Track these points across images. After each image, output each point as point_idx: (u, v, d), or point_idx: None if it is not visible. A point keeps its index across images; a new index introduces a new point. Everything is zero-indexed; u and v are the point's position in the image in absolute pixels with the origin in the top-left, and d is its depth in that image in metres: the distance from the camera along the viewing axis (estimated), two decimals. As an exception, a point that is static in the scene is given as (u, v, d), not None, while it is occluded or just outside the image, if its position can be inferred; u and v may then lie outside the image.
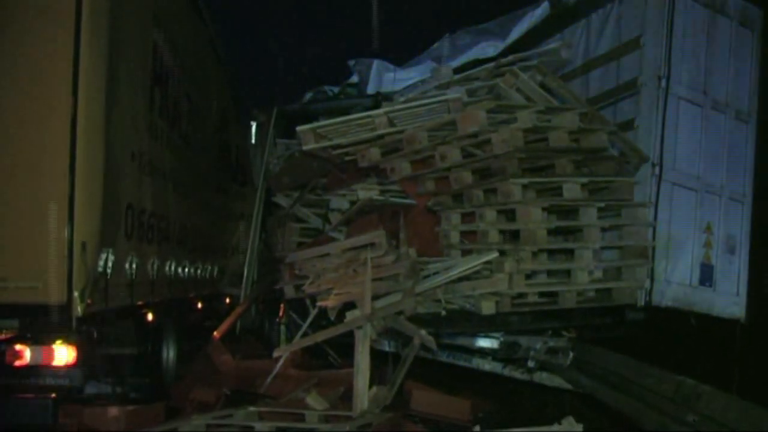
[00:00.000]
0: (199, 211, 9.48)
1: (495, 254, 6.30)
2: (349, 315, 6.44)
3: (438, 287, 6.52)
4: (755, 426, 3.96)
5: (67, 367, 5.66)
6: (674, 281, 7.06)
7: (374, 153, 6.98)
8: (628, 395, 5.69)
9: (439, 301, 6.53)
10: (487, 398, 7.57)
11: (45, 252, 5.37)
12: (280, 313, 9.95)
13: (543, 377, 7.04)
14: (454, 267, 6.49)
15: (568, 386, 6.89)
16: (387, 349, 6.92)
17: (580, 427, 4.72)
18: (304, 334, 7.56)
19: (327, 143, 6.94)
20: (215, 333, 9.70)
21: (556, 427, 4.85)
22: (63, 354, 5.63)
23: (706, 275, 7.33)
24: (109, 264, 5.85)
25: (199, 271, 9.43)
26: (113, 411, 6.29)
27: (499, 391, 7.69)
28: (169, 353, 8.21)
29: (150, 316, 7.44)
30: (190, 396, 7.59)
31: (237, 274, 11.43)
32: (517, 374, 7.14)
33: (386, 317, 6.40)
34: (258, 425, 5.56)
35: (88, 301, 5.43)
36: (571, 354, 6.80)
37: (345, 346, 7.08)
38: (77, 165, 5.38)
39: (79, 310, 5.35)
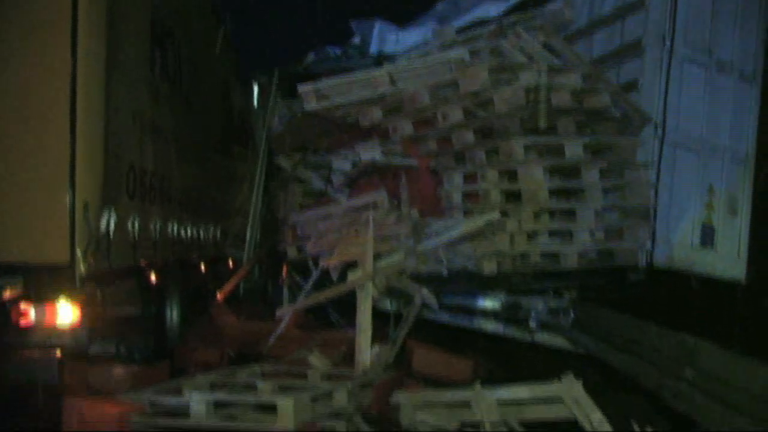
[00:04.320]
0: (201, 173, 9.47)
1: (497, 214, 6.31)
2: (351, 275, 6.47)
3: (440, 247, 6.54)
4: (752, 379, 3.99)
5: (72, 326, 5.67)
6: (676, 242, 7.08)
7: (376, 112, 6.95)
8: (628, 354, 5.73)
9: (440, 261, 6.56)
10: (489, 359, 7.59)
11: (48, 211, 5.41)
12: (283, 275, 9.98)
13: (544, 338, 7.07)
14: (455, 227, 6.50)
15: (569, 346, 6.93)
16: (389, 308, 6.96)
17: (579, 384, 4.76)
18: (307, 295, 7.59)
19: (328, 103, 6.91)
20: (218, 294, 9.75)
21: (556, 384, 4.89)
22: (67, 313, 5.63)
23: (708, 237, 7.34)
24: (112, 224, 5.86)
25: (201, 233, 9.44)
26: (118, 371, 6.31)
27: (501, 352, 7.72)
28: (173, 314, 8.24)
29: (153, 277, 7.46)
30: (194, 357, 7.64)
31: (240, 237, 11.46)
32: (519, 335, 7.19)
33: (388, 276, 6.43)
34: (261, 383, 5.60)
35: (91, 260, 5.45)
36: (572, 314, 6.84)
37: (347, 306, 7.12)
38: (78, 125, 5.37)
39: (82, 269, 5.37)
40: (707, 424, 4.48)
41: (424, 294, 6.27)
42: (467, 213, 6.86)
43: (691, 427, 4.83)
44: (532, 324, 6.98)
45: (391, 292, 6.66)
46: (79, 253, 5.36)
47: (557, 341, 7.01)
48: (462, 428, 4.97)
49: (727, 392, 4.21)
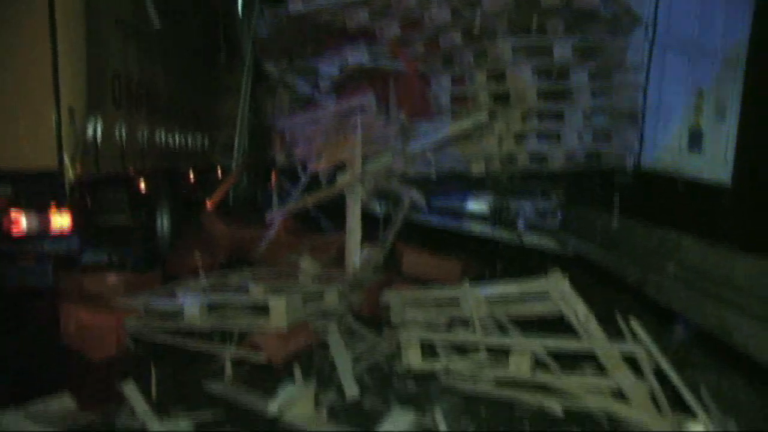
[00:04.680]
0: (187, 82, 9.37)
1: (485, 115, 6.28)
2: (340, 178, 6.48)
3: (428, 149, 6.53)
4: (732, 270, 4.09)
5: (64, 233, 5.71)
6: (663, 146, 7.08)
7: (362, 14, 6.83)
8: (613, 252, 5.83)
9: (429, 162, 6.56)
10: (478, 261, 7.68)
11: (33, 117, 5.40)
12: (272, 181, 9.98)
13: (532, 239, 7.15)
14: (443, 128, 6.48)
15: (557, 247, 7.02)
16: (378, 211, 6.98)
17: (566, 279, 4.83)
18: (297, 199, 7.61)
19: (314, 5, 6.77)
20: (208, 203, 9.77)
21: (543, 280, 4.96)
22: (58, 220, 5.67)
23: (695, 140, 7.32)
24: (99, 130, 5.85)
25: (189, 142, 9.41)
26: (111, 278, 6.37)
27: (489, 254, 7.81)
28: (163, 223, 8.28)
29: (143, 186, 7.47)
30: (186, 264, 7.69)
31: (228, 145, 11.40)
32: (507, 236, 7.25)
33: (377, 178, 6.44)
34: (253, 286, 5.69)
35: (79, 166, 5.45)
36: (560, 216, 6.90)
37: (337, 210, 7.16)
38: (58, 30, 5.32)
39: (71, 174, 5.38)
40: (689, 315, 4.62)
41: (412, 194, 6.29)
42: (455, 115, 6.84)
43: (673, 318, 4.97)
44: (520, 226, 7.05)
45: (380, 194, 6.68)
46: (66, 158, 5.36)
47: (545, 242, 7.10)
48: (451, 324, 5.06)
49: (708, 283, 4.32)
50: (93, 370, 4.93)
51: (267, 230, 7.79)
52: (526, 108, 6.38)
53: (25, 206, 5.64)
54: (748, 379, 4.33)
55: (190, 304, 5.29)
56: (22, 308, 6.04)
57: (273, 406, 3.82)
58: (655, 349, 3.84)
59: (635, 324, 4.02)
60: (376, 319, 5.68)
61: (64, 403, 3.97)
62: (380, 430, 3.25)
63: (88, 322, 5.23)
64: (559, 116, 6.74)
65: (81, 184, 5.66)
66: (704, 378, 4.37)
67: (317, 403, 4.10)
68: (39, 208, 5.63)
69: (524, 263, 7.30)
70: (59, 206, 5.62)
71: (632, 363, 4.12)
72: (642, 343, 3.97)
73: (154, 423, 3.67)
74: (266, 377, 4.64)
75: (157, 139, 7.81)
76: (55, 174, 5.40)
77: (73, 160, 5.39)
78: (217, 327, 5.26)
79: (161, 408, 4.04)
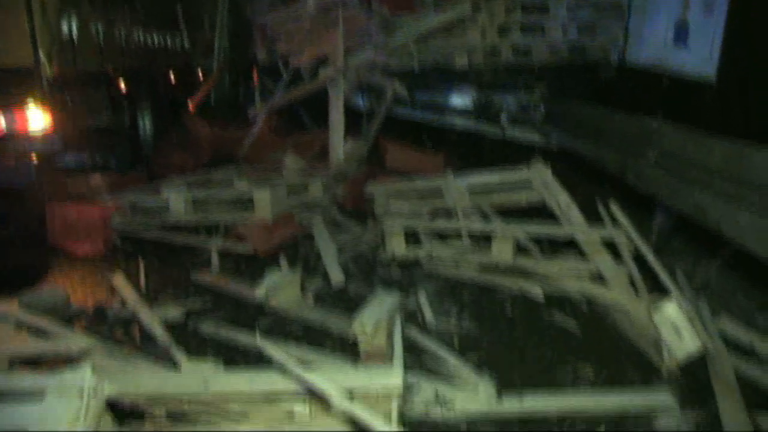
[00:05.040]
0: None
1: (468, 7, 6.18)
2: (323, 71, 6.42)
3: (410, 42, 6.44)
4: (710, 154, 4.13)
5: (44, 132, 5.64)
6: (649, 40, 7.01)
7: None
8: (595, 142, 5.86)
9: (412, 55, 6.47)
10: (461, 155, 7.67)
11: (5, 14, 5.25)
12: (254, 80, 9.86)
13: (515, 133, 7.14)
14: (426, 21, 6.39)
15: (540, 141, 7.02)
16: (361, 105, 6.93)
17: (548, 169, 4.88)
18: (279, 96, 7.55)
19: None
20: (190, 103, 9.66)
21: (525, 170, 5.01)
22: (38, 119, 5.59)
23: (681, 35, 7.25)
24: (74, 27, 5.73)
25: (168, 42, 9.24)
26: (95, 178, 6.37)
27: (473, 148, 7.81)
28: (146, 123, 8.20)
29: (123, 86, 7.37)
30: (170, 163, 7.67)
31: (209, 46, 11.20)
32: (490, 130, 7.23)
33: (359, 71, 6.38)
34: (237, 181, 5.72)
35: (56, 63, 5.38)
36: (543, 109, 6.88)
37: (319, 106, 7.11)
38: None
39: (48, 71, 5.29)
40: (667, 200, 4.68)
41: (395, 85, 6.24)
42: (438, 8, 6.72)
43: (653, 205, 5.04)
44: (503, 119, 7.03)
45: (362, 88, 6.62)
46: (42, 55, 5.27)
47: (528, 136, 7.09)
48: (434, 214, 5.12)
49: (687, 169, 4.36)
50: (81, 266, 4.98)
51: (250, 129, 7.75)
52: (510, 0, 6.27)
53: (3, 105, 5.55)
54: (724, 262, 4.42)
55: (176, 200, 5.33)
56: (6, 208, 6.02)
57: (260, 291, 3.90)
58: (634, 234, 3.90)
59: (615, 209, 4.07)
60: (360, 212, 5.75)
61: (56, 293, 4.03)
62: (365, 310, 3.33)
63: (75, 220, 5.26)
64: (543, 9, 6.64)
65: (59, 82, 5.58)
66: (680, 262, 4.47)
67: (303, 289, 4.19)
68: (18, 107, 5.54)
69: (507, 156, 7.31)
70: (38, 104, 5.54)
71: (612, 248, 4.21)
72: (621, 228, 4.04)
73: (143, 311, 3.73)
74: (252, 267, 4.72)
75: (136, 38, 7.67)
76: (31, 71, 5.30)
77: (49, 57, 5.30)
78: (202, 221, 5.31)
79: (150, 298, 4.12)
